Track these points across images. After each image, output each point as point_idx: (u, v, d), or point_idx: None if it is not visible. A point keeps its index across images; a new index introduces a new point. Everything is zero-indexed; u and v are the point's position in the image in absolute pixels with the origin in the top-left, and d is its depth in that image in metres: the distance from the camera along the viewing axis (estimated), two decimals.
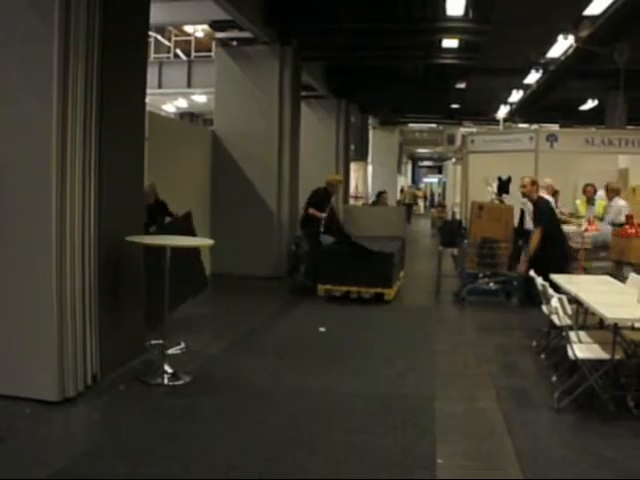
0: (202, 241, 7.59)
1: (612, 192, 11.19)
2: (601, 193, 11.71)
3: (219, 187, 13.13)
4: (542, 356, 7.50)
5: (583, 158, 12.70)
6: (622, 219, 10.44)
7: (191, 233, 7.61)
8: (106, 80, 6.07)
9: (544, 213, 9.52)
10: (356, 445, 5.05)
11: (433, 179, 59.75)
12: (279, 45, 13.17)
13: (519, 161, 12.34)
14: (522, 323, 9.41)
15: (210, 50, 19.57)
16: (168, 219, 8.94)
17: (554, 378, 6.47)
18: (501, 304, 10.89)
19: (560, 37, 14.38)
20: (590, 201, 11.80)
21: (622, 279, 8.89)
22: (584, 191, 11.96)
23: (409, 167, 58.50)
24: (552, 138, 12.36)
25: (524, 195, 9.86)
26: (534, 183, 9.65)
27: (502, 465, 4.81)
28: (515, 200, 11.90)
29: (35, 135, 5.57)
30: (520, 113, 26.52)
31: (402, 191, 39.96)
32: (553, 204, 10.63)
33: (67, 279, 5.69)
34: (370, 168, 32.70)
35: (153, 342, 7.12)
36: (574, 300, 6.56)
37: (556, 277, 7.58)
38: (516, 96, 23.15)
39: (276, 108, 13.22)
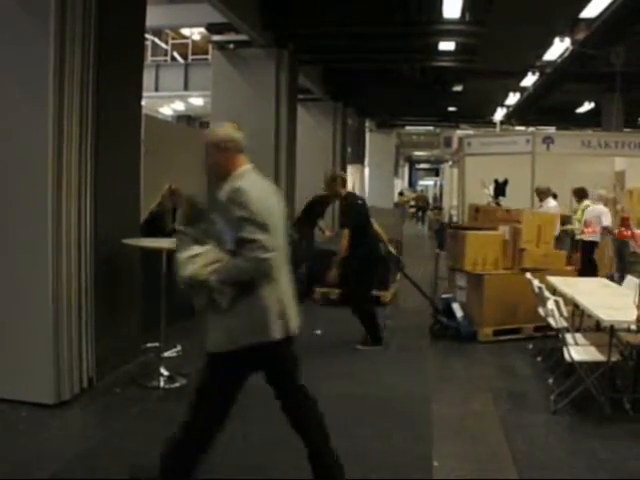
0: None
1: (542, 194, 11.36)
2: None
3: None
4: (538, 358, 7.50)
5: (580, 161, 12.71)
6: None
7: None
8: (102, 83, 6.07)
9: (354, 213, 8.03)
10: (352, 447, 5.02)
11: (430, 182, 59.78)
12: (276, 48, 13.16)
13: (516, 164, 12.36)
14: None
15: (207, 53, 19.60)
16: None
17: (550, 380, 6.47)
18: None
19: (556, 40, 14.42)
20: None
21: (456, 287, 8.99)
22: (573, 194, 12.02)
23: (406, 170, 58.52)
24: (548, 140, 12.38)
25: (327, 196, 8.99)
26: (334, 179, 8.21)
27: (498, 467, 4.81)
28: (511, 203, 11.95)
29: (31, 138, 5.57)
30: (517, 116, 26.57)
31: (401, 194, 39.91)
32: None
33: (63, 282, 5.68)
34: (367, 171, 32.72)
35: (149, 345, 7.12)
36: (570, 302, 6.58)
37: (552, 279, 7.59)
38: (513, 99, 23.20)
39: (273, 111, 13.22)
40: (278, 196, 4.07)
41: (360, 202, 8.35)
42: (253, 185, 3.89)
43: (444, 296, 9.11)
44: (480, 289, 8.57)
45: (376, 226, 8.67)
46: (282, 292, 3.89)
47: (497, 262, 8.72)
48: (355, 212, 8.08)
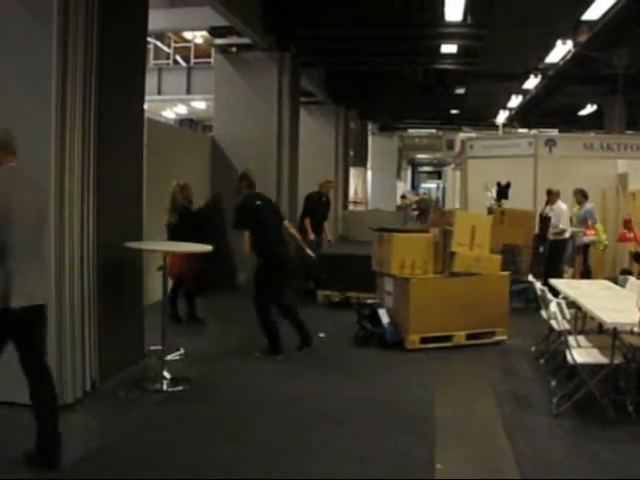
0: (200, 247, 7.58)
1: (555, 196, 11.32)
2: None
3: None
4: (541, 361, 7.49)
5: (582, 163, 12.70)
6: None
7: None
8: (105, 87, 6.08)
9: (238, 215, 7.73)
10: (355, 450, 5.05)
11: (432, 184, 59.74)
12: (278, 51, 13.19)
13: (518, 166, 12.34)
14: (521, 328, 9.39)
15: (209, 56, 19.60)
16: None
17: (553, 383, 6.46)
18: None
19: (559, 42, 14.39)
20: (580, 205, 11.83)
21: (383, 292, 8.60)
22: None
23: (409, 173, 58.50)
24: (551, 143, 12.37)
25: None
26: (241, 178, 7.97)
27: (501, 470, 4.81)
28: (513, 206, 11.93)
29: (33, 142, 5.55)
30: (519, 118, 26.55)
31: (403, 197, 39.85)
32: None
33: (66, 285, 5.69)
34: (369, 174, 32.71)
35: (152, 348, 7.12)
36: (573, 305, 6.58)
37: (556, 282, 7.59)
38: (515, 101, 23.18)
39: (275, 114, 13.24)
40: (35, 193, 4.69)
41: (259, 203, 7.84)
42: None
43: (369, 301, 8.77)
44: (406, 294, 8.10)
45: (291, 229, 8.33)
46: (9, 272, 4.35)
47: (427, 266, 8.26)
48: (241, 213, 7.72)
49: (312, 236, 11.03)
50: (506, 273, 8.72)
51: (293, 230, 8.46)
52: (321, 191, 11.86)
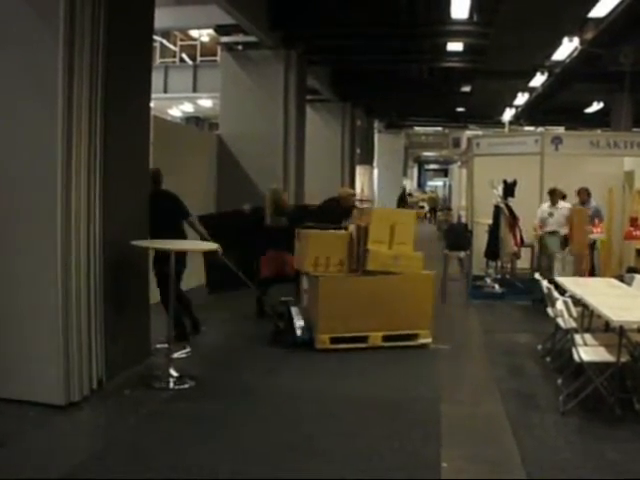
0: (207, 245, 7.59)
1: (558, 196, 11.31)
2: None
3: (225, 190, 13.13)
4: (547, 359, 7.48)
5: (588, 161, 12.64)
6: None
7: None
8: (111, 85, 6.08)
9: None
10: (360, 449, 5.04)
11: (439, 182, 59.67)
12: (284, 49, 13.20)
13: (524, 164, 12.29)
14: (527, 326, 9.40)
15: (215, 54, 19.62)
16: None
17: (559, 381, 6.44)
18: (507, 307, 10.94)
19: (565, 40, 14.37)
20: (584, 204, 11.77)
21: (302, 292, 8.42)
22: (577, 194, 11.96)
23: (415, 170, 58.46)
24: (557, 141, 12.30)
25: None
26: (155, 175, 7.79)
27: (507, 468, 4.80)
28: (519, 204, 11.91)
29: (40, 140, 5.59)
30: (525, 116, 26.51)
31: (410, 195, 39.79)
32: None
33: (72, 283, 5.70)
34: (376, 172, 32.71)
35: (158, 346, 7.14)
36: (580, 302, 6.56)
37: (562, 279, 7.57)
38: (521, 99, 23.16)
39: (281, 112, 13.25)
40: None
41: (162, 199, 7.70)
42: None
43: (283, 299, 8.50)
44: (316, 292, 7.91)
45: (197, 225, 8.13)
46: None
47: (343, 264, 7.96)
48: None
49: None
50: (430, 272, 8.32)
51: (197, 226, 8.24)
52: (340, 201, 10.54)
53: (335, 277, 7.93)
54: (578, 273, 9.91)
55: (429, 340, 8.03)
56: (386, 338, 7.86)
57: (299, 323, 7.97)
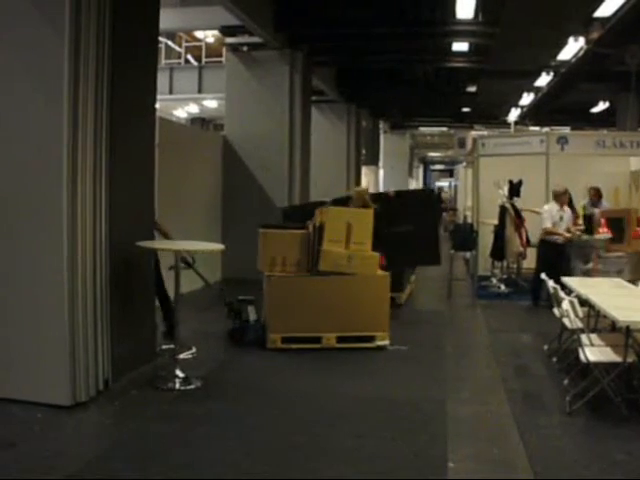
0: (213, 246, 7.60)
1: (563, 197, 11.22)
2: None
3: (230, 192, 13.16)
4: (554, 359, 7.46)
5: (594, 161, 12.62)
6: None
7: None
8: (116, 86, 6.10)
9: None
10: (366, 449, 5.04)
11: (444, 183, 59.59)
12: (289, 50, 13.20)
13: (530, 164, 12.29)
14: (533, 326, 9.39)
15: (221, 55, 19.63)
16: None
17: (566, 381, 6.43)
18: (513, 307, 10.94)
19: (571, 39, 14.34)
20: (595, 205, 11.73)
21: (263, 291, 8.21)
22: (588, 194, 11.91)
23: (420, 171, 58.41)
24: (563, 141, 12.27)
25: None
26: None
27: (514, 469, 4.79)
28: (525, 204, 11.90)
29: (46, 141, 5.60)
30: (531, 116, 26.45)
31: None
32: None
33: (79, 284, 5.71)
34: (382, 172, 32.71)
35: (164, 347, 7.15)
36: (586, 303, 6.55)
37: (568, 280, 7.56)
38: (527, 99, 23.10)
39: (287, 113, 13.26)
40: None
41: None
42: None
43: (240, 297, 8.33)
44: (268, 292, 7.94)
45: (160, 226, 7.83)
46: None
47: (299, 264, 7.89)
48: None
49: None
50: (385, 274, 8.14)
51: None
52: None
53: (287, 277, 7.88)
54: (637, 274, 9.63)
55: (386, 342, 7.92)
56: (340, 339, 7.79)
57: (253, 322, 8.01)
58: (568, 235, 10.59)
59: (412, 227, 9.89)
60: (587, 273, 9.85)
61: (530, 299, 10.80)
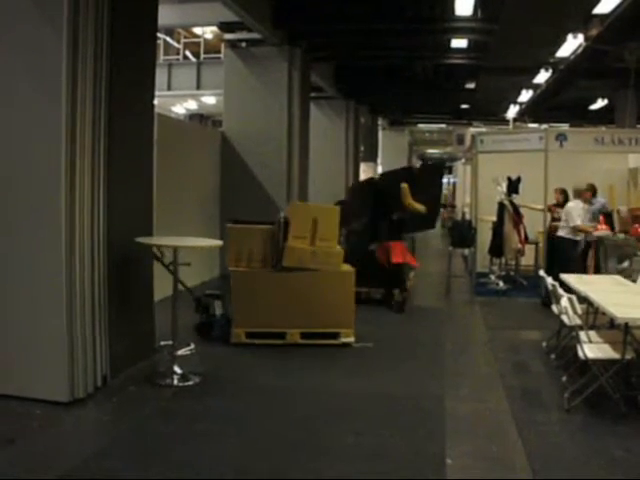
0: (211, 242, 7.59)
1: (563, 195, 11.22)
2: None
3: (228, 188, 13.14)
4: (552, 356, 7.47)
5: (593, 158, 12.61)
6: None
7: None
8: (115, 83, 6.09)
9: None
10: (365, 446, 5.04)
11: (443, 179, 59.52)
12: (288, 46, 13.18)
13: (529, 161, 12.27)
14: (532, 323, 9.39)
15: (219, 52, 19.59)
16: None
17: (564, 378, 6.44)
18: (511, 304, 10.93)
19: (569, 36, 14.31)
20: (587, 202, 11.69)
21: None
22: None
23: None
24: (561, 138, 12.23)
25: None
26: None
27: (512, 465, 4.80)
28: (524, 201, 11.90)
29: (44, 139, 5.59)
30: (530, 113, 26.44)
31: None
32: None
33: (77, 280, 5.71)
34: (380, 169, 32.67)
35: (162, 343, 7.14)
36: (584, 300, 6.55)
37: (567, 277, 7.56)
38: (526, 96, 23.07)
39: (285, 109, 13.24)
40: None
41: None
42: None
43: (208, 292, 8.42)
44: (232, 287, 7.88)
45: None
46: None
47: (265, 259, 7.86)
48: None
49: None
50: (351, 270, 8.12)
51: None
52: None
53: (251, 272, 7.85)
54: None
55: (351, 339, 7.90)
56: (305, 335, 7.78)
57: (219, 316, 8.02)
58: (595, 231, 10.44)
59: (426, 197, 10.74)
60: (622, 272, 9.76)
61: (531, 296, 10.79)
